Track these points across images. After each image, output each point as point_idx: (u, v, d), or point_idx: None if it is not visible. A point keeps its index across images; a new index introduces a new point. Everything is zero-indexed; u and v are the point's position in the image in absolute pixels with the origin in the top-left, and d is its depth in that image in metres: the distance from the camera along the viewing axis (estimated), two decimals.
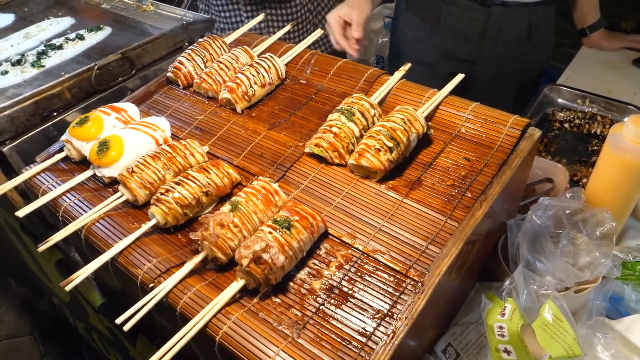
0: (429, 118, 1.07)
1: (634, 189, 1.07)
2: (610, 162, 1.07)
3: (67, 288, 0.88)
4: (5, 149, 1.30)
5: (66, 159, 1.16)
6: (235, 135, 1.14)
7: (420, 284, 0.80)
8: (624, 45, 1.82)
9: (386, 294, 0.81)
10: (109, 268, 0.95)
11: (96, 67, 1.39)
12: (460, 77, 1.12)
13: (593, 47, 1.82)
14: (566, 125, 1.40)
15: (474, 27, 1.61)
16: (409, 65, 1.18)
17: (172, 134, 1.17)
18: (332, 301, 0.82)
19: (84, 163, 1.14)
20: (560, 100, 1.48)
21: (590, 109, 1.43)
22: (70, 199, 1.06)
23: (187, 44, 1.62)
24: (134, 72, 1.50)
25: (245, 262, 0.81)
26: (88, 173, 1.10)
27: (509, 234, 1.05)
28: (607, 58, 1.79)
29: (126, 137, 1.09)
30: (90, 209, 1.02)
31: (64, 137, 1.14)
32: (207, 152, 1.10)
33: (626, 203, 1.11)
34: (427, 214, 0.91)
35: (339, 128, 1.01)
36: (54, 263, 1.47)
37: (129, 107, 1.20)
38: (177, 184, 0.97)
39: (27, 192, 1.22)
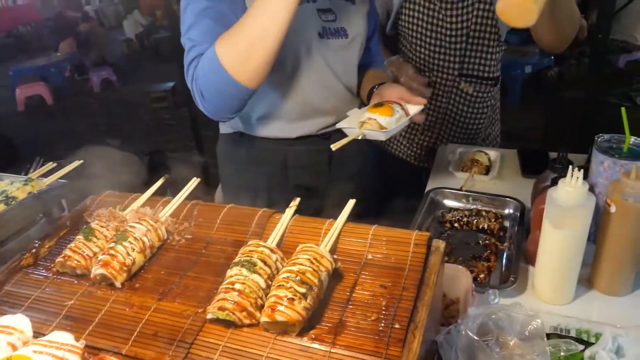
0: (332, 251, 1.01)
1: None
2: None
3: None
4: None
5: None
6: (119, 317, 0.95)
7: None
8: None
9: None
10: None
11: None
12: (352, 202, 1.10)
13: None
14: (456, 224, 1.45)
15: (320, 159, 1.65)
16: (298, 199, 1.14)
17: (34, 331, 0.94)
18: None
19: None
20: (446, 201, 1.55)
21: (475, 206, 1.51)
22: None
23: (41, 215, 1.42)
24: None
25: None
26: None
27: (442, 353, 0.98)
28: None
29: None
30: None
31: None
32: (86, 346, 0.90)
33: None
34: None
35: (242, 283, 0.90)
36: None
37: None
38: None
39: None
